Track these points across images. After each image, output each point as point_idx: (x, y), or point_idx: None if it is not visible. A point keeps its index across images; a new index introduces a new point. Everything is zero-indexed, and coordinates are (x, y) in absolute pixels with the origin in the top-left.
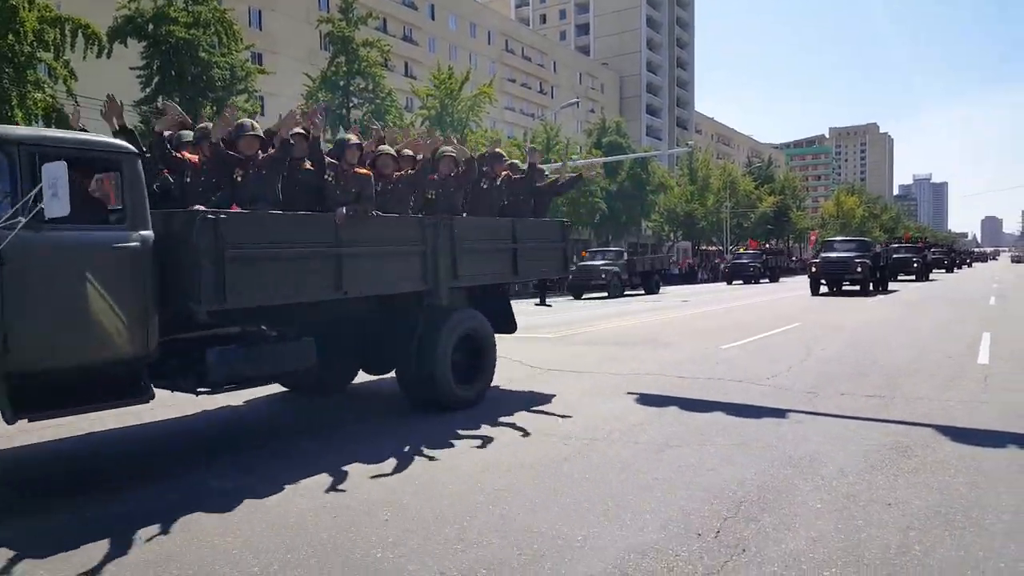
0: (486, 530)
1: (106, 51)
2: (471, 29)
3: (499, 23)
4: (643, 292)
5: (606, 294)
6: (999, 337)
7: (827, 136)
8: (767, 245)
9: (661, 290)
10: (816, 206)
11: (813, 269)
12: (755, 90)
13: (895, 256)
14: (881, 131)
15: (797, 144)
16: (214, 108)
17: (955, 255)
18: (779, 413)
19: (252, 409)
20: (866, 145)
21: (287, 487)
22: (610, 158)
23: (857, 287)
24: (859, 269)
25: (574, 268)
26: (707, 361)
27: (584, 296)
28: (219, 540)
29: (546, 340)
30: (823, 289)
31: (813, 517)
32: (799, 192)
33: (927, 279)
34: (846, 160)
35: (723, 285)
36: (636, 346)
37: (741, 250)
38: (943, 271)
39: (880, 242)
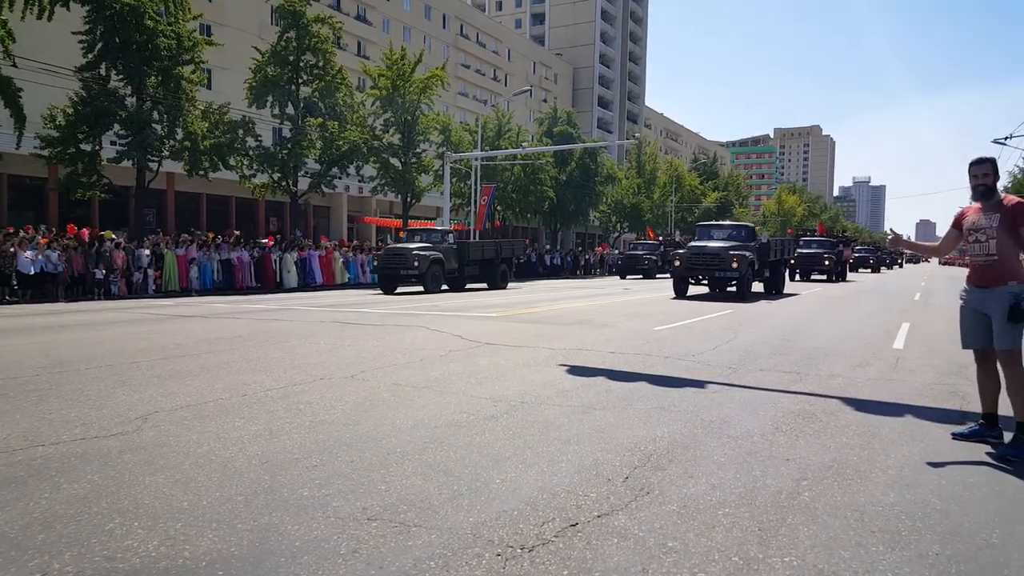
0: (410, 474)
1: (47, 13)
2: (426, 12)
3: (454, 7)
4: (486, 286)
5: (422, 288)
6: (917, 327)
7: (772, 136)
8: (663, 237)
9: (510, 284)
10: (759, 204)
11: (676, 263)
12: (705, 88)
13: (801, 251)
14: (824, 133)
15: (743, 143)
16: (159, 78)
17: (883, 254)
18: (699, 384)
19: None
20: (809, 146)
21: (223, 437)
22: (560, 147)
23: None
24: (734, 264)
25: (381, 252)
26: (639, 340)
27: (398, 291)
28: (150, 479)
29: (489, 318)
30: (697, 290)
31: (715, 468)
32: (743, 189)
33: (844, 280)
34: (789, 160)
35: (616, 279)
36: (573, 325)
37: (637, 239)
38: (868, 271)
39: (791, 230)
